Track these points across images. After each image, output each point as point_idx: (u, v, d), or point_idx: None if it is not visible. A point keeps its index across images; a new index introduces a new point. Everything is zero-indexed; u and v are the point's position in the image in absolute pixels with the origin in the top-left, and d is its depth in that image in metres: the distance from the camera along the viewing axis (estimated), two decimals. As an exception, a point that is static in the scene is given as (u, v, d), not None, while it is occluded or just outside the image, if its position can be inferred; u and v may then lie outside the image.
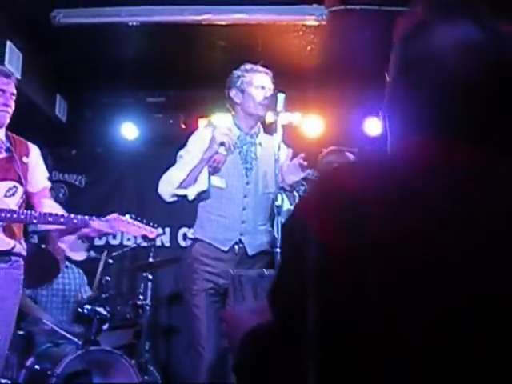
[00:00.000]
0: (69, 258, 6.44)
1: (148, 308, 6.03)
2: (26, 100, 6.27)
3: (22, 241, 3.96)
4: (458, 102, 1.22)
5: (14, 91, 3.89)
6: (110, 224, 3.91)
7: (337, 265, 1.09)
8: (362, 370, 1.05)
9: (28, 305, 5.56)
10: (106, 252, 6.36)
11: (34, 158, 4.06)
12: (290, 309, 1.18)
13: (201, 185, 4.15)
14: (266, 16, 5.44)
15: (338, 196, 1.15)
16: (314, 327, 1.11)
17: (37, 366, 5.05)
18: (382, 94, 1.39)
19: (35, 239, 6.18)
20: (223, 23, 5.56)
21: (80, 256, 4.26)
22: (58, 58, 6.47)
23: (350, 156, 4.96)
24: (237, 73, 4.32)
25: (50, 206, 4.01)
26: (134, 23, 5.55)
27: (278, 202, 3.75)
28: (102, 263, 6.02)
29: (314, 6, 5.35)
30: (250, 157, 4.32)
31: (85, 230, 3.91)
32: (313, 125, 7.28)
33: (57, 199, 7.53)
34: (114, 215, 3.96)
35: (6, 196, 3.76)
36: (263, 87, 4.25)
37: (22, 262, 3.94)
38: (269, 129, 4.30)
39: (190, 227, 4.39)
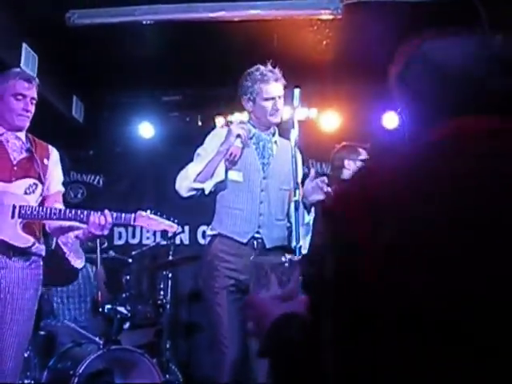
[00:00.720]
0: (86, 258, 6.47)
1: (168, 306, 6.05)
2: (43, 102, 6.24)
3: (42, 240, 3.99)
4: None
5: (35, 96, 3.93)
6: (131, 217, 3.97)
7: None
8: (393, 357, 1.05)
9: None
10: (105, 243, 6.34)
11: (54, 160, 4.10)
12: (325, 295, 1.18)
13: (217, 178, 4.16)
14: (281, 11, 5.42)
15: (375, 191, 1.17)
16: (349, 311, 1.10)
17: (59, 366, 5.07)
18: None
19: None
20: (238, 19, 5.54)
21: (79, 264, 4.25)
22: (73, 59, 6.47)
23: (363, 152, 4.96)
24: (247, 82, 4.28)
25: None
26: (149, 22, 5.54)
27: (296, 198, 3.76)
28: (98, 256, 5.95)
29: (329, -1, 5.32)
30: (267, 153, 4.34)
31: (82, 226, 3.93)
32: (330, 119, 7.26)
33: (75, 199, 7.63)
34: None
35: (26, 193, 3.80)
36: (273, 98, 4.24)
37: (41, 263, 3.95)
38: (285, 127, 4.30)
39: (208, 225, 4.38)
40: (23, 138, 3.95)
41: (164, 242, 6.67)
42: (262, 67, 4.28)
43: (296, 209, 3.72)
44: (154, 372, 5.01)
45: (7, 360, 3.60)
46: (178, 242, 7.31)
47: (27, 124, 3.92)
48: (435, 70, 1.35)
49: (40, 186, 3.89)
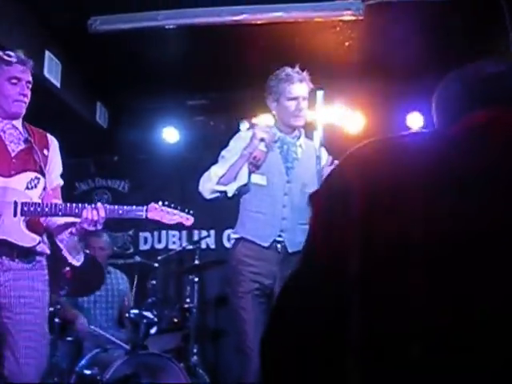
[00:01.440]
0: (112, 264, 6.50)
1: (195, 311, 6.04)
2: (67, 108, 6.33)
3: (45, 237, 3.79)
4: None
5: (31, 79, 3.69)
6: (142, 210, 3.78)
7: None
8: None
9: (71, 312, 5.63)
10: (131, 249, 6.37)
11: (55, 150, 3.87)
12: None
13: (240, 181, 4.15)
14: (303, 13, 5.41)
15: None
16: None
17: (86, 371, 5.09)
18: (424, 88, 1.52)
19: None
20: (260, 22, 5.54)
21: (77, 262, 3.99)
22: (96, 65, 6.50)
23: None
24: (272, 82, 4.30)
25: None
26: (171, 26, 5.55)
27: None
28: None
29: (350, 0, 5.30)
30: (292, 156, 4.32)
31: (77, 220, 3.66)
32: (354, 121, 7.22)
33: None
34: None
35: (27, 188, 3.57)
36: (297, 98, 4.23)
37: (45, 262, 3.74)
38: (310, 129, 4.29)
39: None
40: (20, 128, 3.72)
41: (190, 247, 6.68)
42: (288, 68, 4.28)
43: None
44: (182, 376, 5.01)
45: (24, 367, 3.43)
46: (204, 246, 7.31)
47: (24, 110, 3.68)
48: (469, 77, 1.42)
49: (42, 179, 3.65)
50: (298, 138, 4.39)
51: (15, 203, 3.51)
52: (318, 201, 1.28)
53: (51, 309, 4.42)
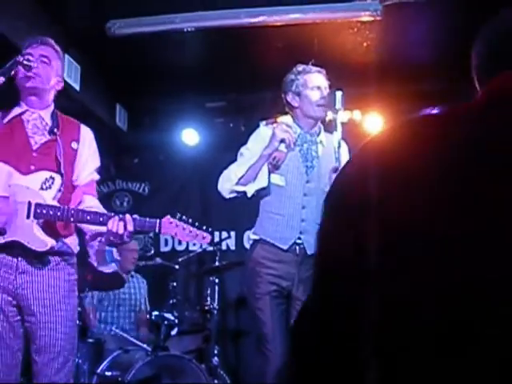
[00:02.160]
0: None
1: (216, 312, 6.06)
2: (87, 111, 6.37)
3: (72, 237, 3.53)
4: None
5: (44, 53, 3.47)
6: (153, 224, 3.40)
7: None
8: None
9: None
10: (152, 251, 6.39)
11: (86, 143, 3.60)
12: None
13: (260, 182, 4.10)
14: (321, 14, 5.41)
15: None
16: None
17: (108, 373, 5.12)
18: (442, 87, 1.47)
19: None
20: (278, 24, 5.54)
21: (109, 268, 3.82)
22: (115, 68, 6.54)
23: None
24: (290, 76, 4.27)
25: (89, 206, 3.50)
26: (190, 29, 5.57)
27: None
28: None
29: (368, 1, 5.29)
30: (311, 155, 4.26)
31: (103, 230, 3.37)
32: (373, 122, 7.21)
33: (121, 208, 7.68)
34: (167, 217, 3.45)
35: (42, 189, 3.32)
36: (319, 87, 4.20)
37: (74, 260, 3.51)
38: (329, 127, 4.27)
39: (255, 230, 4.37)
40: (47, 118, 3.49)
41: (210, 248, 6.69)
42: (302, 65, 4.28)
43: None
44: (203, 378, 5.03)
45: (53, 373, 3.30)
46: (224, 247, 7.33)
47: (32, 83, 3.39)
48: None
49: (58, 179, 3.37)
50: (318, 134, 4.33)
51: (29, 204, 3.28)
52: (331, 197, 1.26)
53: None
